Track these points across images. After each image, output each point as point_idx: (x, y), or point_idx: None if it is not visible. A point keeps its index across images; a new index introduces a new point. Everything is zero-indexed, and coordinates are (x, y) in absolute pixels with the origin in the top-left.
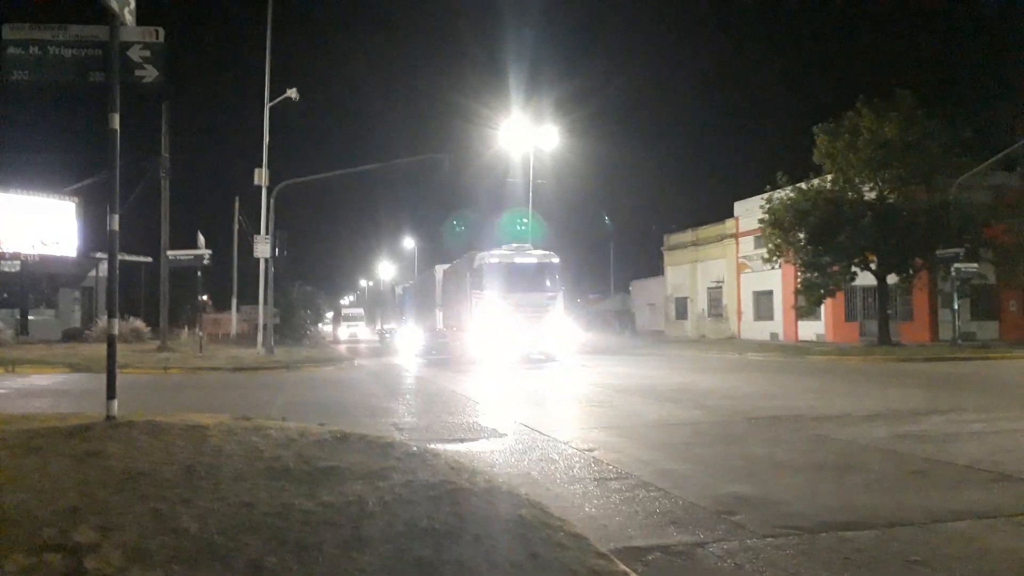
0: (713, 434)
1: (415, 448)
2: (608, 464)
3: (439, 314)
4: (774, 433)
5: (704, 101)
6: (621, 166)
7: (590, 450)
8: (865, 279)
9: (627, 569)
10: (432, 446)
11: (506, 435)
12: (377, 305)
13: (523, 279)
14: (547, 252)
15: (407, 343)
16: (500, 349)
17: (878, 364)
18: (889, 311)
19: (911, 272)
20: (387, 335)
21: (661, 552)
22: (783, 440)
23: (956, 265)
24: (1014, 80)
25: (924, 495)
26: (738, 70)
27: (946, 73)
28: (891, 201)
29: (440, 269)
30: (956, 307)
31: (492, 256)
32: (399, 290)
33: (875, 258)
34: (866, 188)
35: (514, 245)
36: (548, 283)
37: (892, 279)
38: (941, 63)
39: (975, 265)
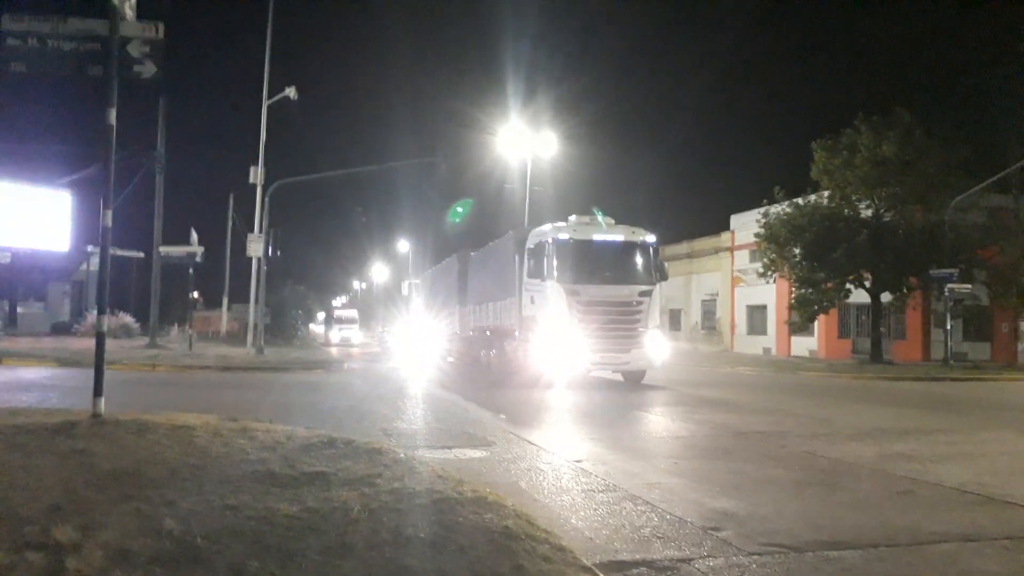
0: (701, 448)
1: (403, 455)
2: (596, 476)
3: (461, 314)
4: (763, 449)
5: (703, 113)
6: (618, 175)
7: (578, 461)
8: (859, 296)
9: None
10: (420, 453)
11: (494, 443)
12: (374, 306)
13: (605, 265)
14: (636, 228)
15: (416, 349)
16: (562, 363)
17: (869, 382)
18: (882, 329)
19: (905, 291)
20: (389, 339)
21: (646, 567)
22: (771, 456)
23: (950, 285)
24: (1011, 103)
25: (910, 515)
26: (738, 84)
27: (946, 94)
28: (887, 219)
29: (460, 257)
30: (949, 327)
31: (559, 231)
32: (405, 288)
33: (870, 276)
34: (863, 205)
35: (586, 218)
36: (640, 271)
37: (886, 297)
38: (941, 84)
39: (969, 286)
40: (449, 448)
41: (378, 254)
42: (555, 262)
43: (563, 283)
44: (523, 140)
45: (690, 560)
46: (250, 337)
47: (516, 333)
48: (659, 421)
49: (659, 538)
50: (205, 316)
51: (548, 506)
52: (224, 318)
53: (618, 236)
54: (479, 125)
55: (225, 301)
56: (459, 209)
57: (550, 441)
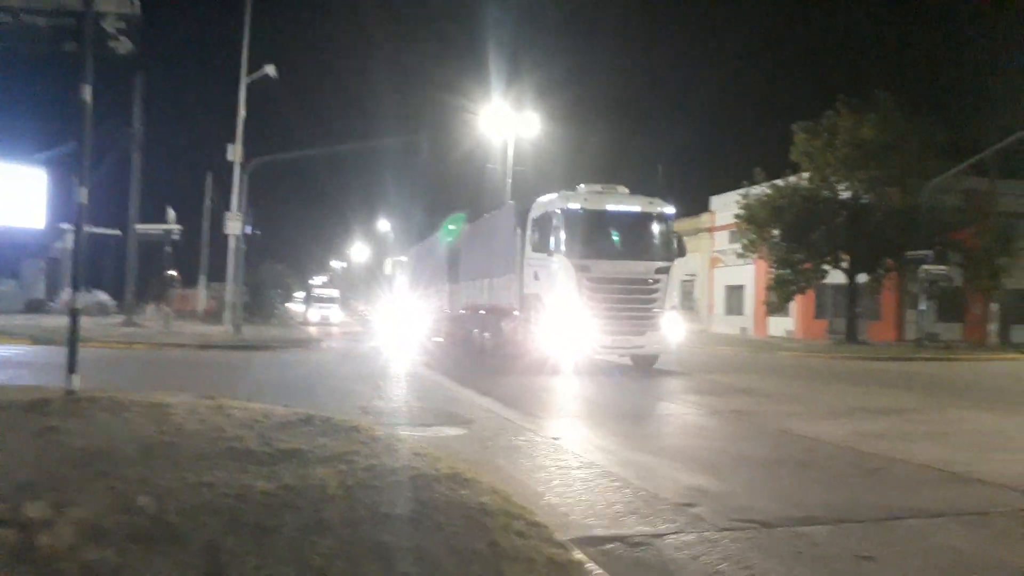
0: (677, 426)
1: (380, 432)
2: (573, 453)
3: (451, 291)
4: (737, 427)
5: (684, 95)
6: (599, 156)
7: (555, 438)
8: (835, 277)
9: (584, 558)
10: (398, 431)
11: (472, 420)
12: (355, 285)
13: (619, 238)
14: (653, 198)
15: (400, 329)
16: (569, 345)
17: (845, 362)
18: (858, 310)
19: (881, 272)
20: (372, 318)
21: (620, 542)
22: (746, 435)
23: (925, 267)
24: (990, 87)
25: (879, 492)
26: (719, 65)
27: (925, 77)
28: (865, 201)
29: (453, 230)
30: (923, 308)
31: (569, 200)
32: (388, 265)
33: (847, 257)
34: (842, 187)
35: (598, 186)
36: (657, 246)
37: (862, 278)
38: (921, 67)
39: (943, 267)
40: (428, 426)
41: (358, 233)
42: (563, 234)
43: (572, 258)
44: (506, 120)
45: (663, 535)
46: (228, 315)
47: (515, 312)
48: (635, 399)
49: (633, 514)
50: (183, 294)
51: (525, 483)
52: (202, 296)
53: (634, 206)
54: (462, 104)
55: (203, 279)
56: (451, 227)
57: (526, 418)
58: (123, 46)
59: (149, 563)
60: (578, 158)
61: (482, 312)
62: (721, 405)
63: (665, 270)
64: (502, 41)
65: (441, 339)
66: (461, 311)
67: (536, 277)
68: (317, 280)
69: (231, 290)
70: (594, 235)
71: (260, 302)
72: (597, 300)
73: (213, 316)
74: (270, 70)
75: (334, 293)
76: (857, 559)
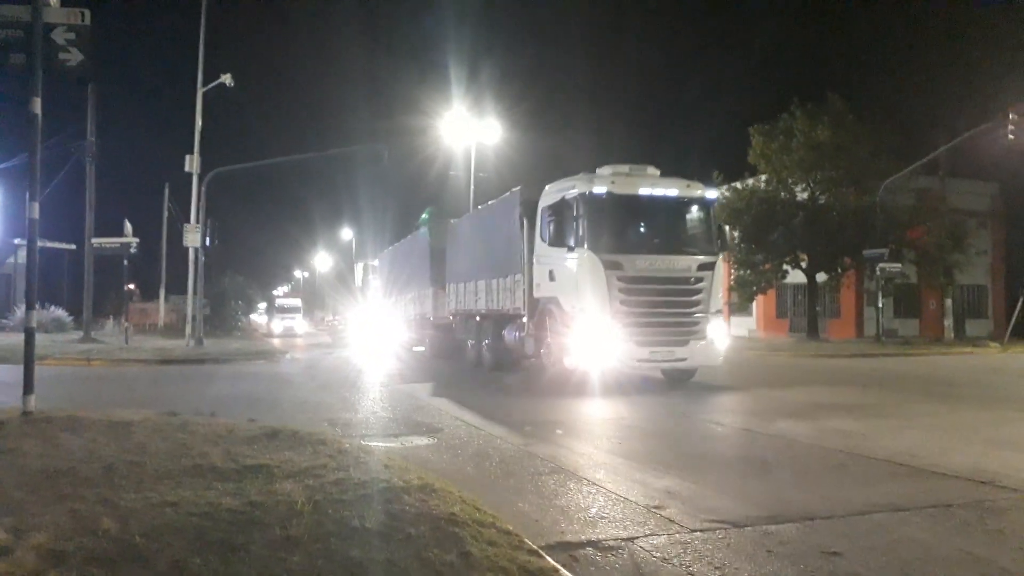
0: (644, 429)
1: (348, 445)
2: (542, 459)
3: (435, 296)
4: (703, 428)
5: (641, 98)
6: (560, 161)
7: (525, 445)
8: (796, 277)
9: (557, 565)
10: (366, 443)
11: (442, 430)
12: (320, 295)
13: (654, 229)
14: (691, 181)
15: (373, 338)
16: (597, 358)
17: (806, 360)
18: (818, 308)
19: (840, 271)
20: (342, 328)
21: (592, 547)
22: (712, 435)
23: (881, 265)
24: (939, 90)
25: (844, 488)
26: (677, 68)
27: (877, 80)
28: (822, 202)
29: (435, 227)
30: (880, 305)
31: (593, 183)
32: (359, 271)
33: (806, 256)
34: (799, 189)
35: (624, 167)
36: (700, 238)
37: (821, 277)
38: (874, 71)
39: (899, 265)
40: (396, 436)
41: (322, 242)
42: (587, 224)
43: (600, 253)
44: (467, 127)
45: (635, 539)
46: (188, 329)
47: (522, 319)
48: (598, 402)
49: (604, 518)
50: (142, 308)
51: (495, 491)
52: (161, 310)
53: (671, 190)
54: (424, 111)
55: (162, 293)
56: (431, 224)
57: (495, 426)
58: (74, 58)
59: None
60: (538, 162)
61: (477, 319)
62: (685, 406)
63: (709, 266)
64: (463, 49)
65: (423, 349)
66: (448, 318)
67: (551, 277)
68: (280, 291)
69: (192, 303)
70: (625, 225)
71: (222, 314)
72: (631, 303)
73: (174, 330)
74: (226, 79)
75: (297, 303)
76: (825, 555)
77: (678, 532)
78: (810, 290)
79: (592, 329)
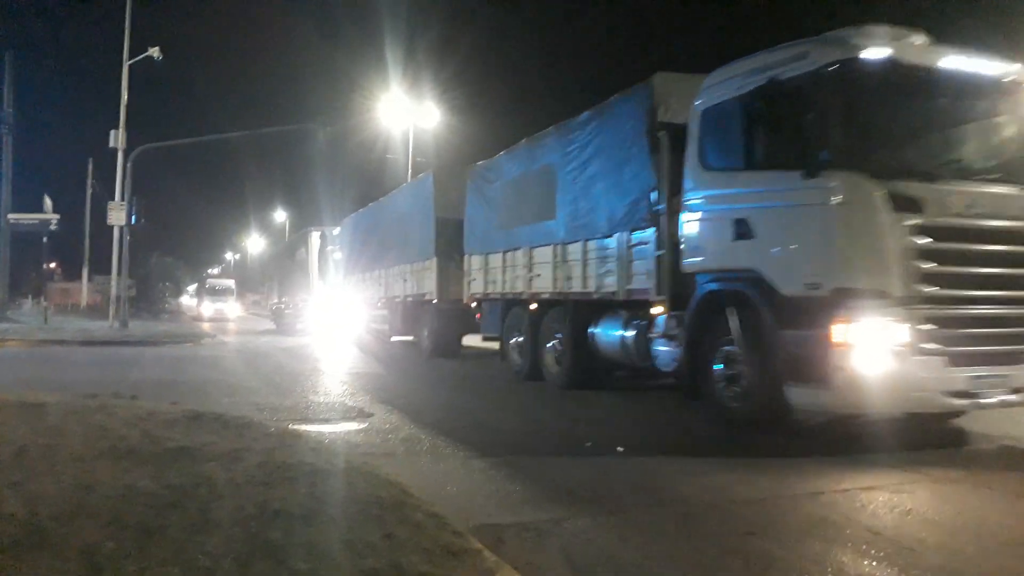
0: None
1: (273, 428)
2: (475, 444)
3: (442, 270)
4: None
5: (585, 86)
6: (497, 145)
7: (456, 430)
8: None
9: (481, 546)
10: (294, 427)
11: (373, 415)
12: (257, 276)
13: (966, 140)
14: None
15: (330, 324)
16: (879, 388)
17: None
18: None
19: None
20: (287, 311)
21: (518, 528)
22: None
23: None
24: None
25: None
26: (621, 54)
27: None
28: None
29: (446, 175)
30: None
31: (853, 44)
32: (314, 241)
33: None
34: None
35: (894, 30)
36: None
37: None
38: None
39: None
40: (325, 421)
41: (255, 224)
42: (845, 122)
43: (882, 177)
44: (405, 109)
45: (560, 520)
46: (112, 310)
47: (648, 310)
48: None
49: (529, 502)
50: (64, 288)
51: (425, 475)
52: (84, 290)
53: (992, 68)
54: (360, 91)
55: (85, 272)
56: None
57: (426, 412)
58: None
59: (18, 572)
60: (478, 149)
61: (534, 307)
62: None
63: None
64: (400, 29)
65: (413, 338)
66: (468, 303)
67: (738, 233)
68: (211, 271)
69: (116, 283)
70: (917, 128)
71: (149, 296)
72: (945, 282)
73: (98, 311)
74: (155, 52)
75: (230, 284)
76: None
77: (602, 515)
78: None
79: (869, 334)
